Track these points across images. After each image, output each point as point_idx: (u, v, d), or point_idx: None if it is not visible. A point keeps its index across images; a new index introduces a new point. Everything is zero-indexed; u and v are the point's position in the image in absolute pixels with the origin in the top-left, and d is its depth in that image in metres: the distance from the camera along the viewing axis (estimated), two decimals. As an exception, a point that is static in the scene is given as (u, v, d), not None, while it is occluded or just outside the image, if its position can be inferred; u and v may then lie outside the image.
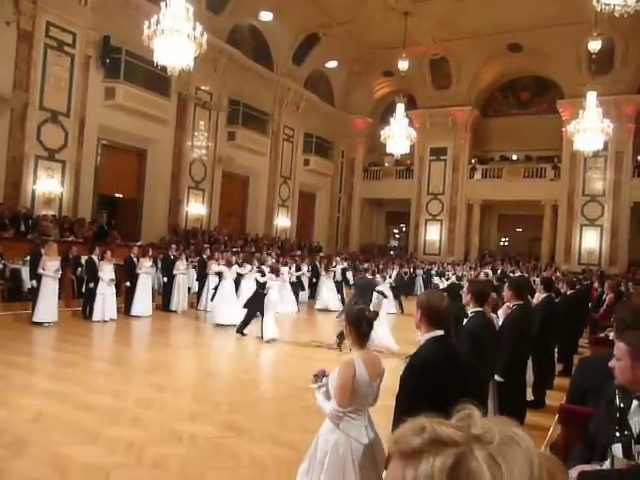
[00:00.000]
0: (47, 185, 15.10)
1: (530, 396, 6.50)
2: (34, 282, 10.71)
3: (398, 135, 19.20)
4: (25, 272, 11.71)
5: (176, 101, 19.19)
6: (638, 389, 2.20)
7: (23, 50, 14.52)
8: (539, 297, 7.73)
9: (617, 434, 2.18)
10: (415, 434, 0.69)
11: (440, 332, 2.84)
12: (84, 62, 15.95)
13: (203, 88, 20.03)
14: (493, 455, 0.65)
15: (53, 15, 14.89)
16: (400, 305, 16.21)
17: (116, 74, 16.79)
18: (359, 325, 3.02)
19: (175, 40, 11.01)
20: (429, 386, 2.58)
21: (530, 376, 6.50)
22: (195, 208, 20.21)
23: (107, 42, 16.43)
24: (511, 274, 16.79)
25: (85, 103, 16.13)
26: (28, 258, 11.53)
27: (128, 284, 12.46)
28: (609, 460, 2.17)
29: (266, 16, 21.74)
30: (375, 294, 10.30)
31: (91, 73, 16.36)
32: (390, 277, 16.48)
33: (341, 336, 3.22)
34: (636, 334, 2.26)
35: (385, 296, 10.40)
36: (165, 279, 13.71)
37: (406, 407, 2.61)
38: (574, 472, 2.27)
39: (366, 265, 15.96)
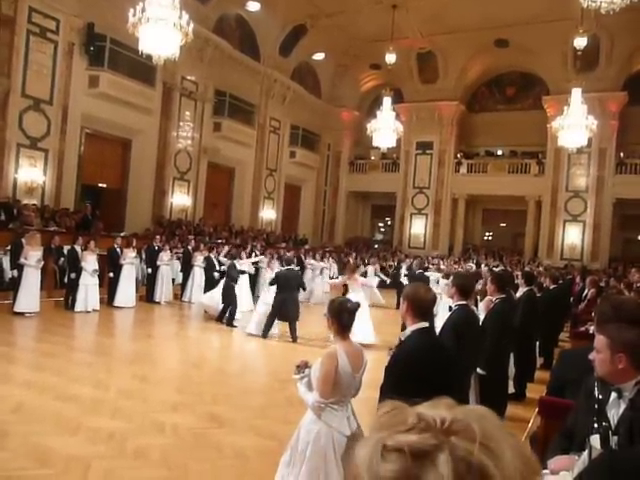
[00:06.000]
0: (29, 174, 14.85)
1: (511, 389, 6.58)
2: (15, 272, 10.59)
3: (384, 128, 19.15)
4: (6, 262, 11.54)
5: (161, 90, 18.93)
6: (616, 381, 2.23)
7: (5, 36, 14.19)
8: (521, 291, 7.80)
9: (595, 425, 2.21)
10: (379, 459, 0.61)
11: (425, 324, 2.86)
12: (67, 49, 15.66)
13: (189, 78, 19.81)
14: (478, 440, 0.59)
15: (36, 1, 14.59)
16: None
17: (100, 62, 16.49)
18: (340, 317, 3.02)
19: (161, 29, 10.83)
20: (414, 377, 2.60)
21: (512, 369, 6.58)
22: (180, 199, 20.04)
23: (91, 29, 16.14)
24: (494, 268, 16.92)
25: (68, 91, 15.85)
26: (9, 247, 11.36)
27: (111, 275, 12.37)
28: (587, 451, 2.20)
29: (253, 6, 21.53)
30: None
31: (75, 61, 16.06)
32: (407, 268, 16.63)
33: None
34: (616, 327, 2.29)
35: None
36: (149, 270, 13.63)
37: (391, 398, 2.62)
38: (552, 462, 2.30)
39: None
